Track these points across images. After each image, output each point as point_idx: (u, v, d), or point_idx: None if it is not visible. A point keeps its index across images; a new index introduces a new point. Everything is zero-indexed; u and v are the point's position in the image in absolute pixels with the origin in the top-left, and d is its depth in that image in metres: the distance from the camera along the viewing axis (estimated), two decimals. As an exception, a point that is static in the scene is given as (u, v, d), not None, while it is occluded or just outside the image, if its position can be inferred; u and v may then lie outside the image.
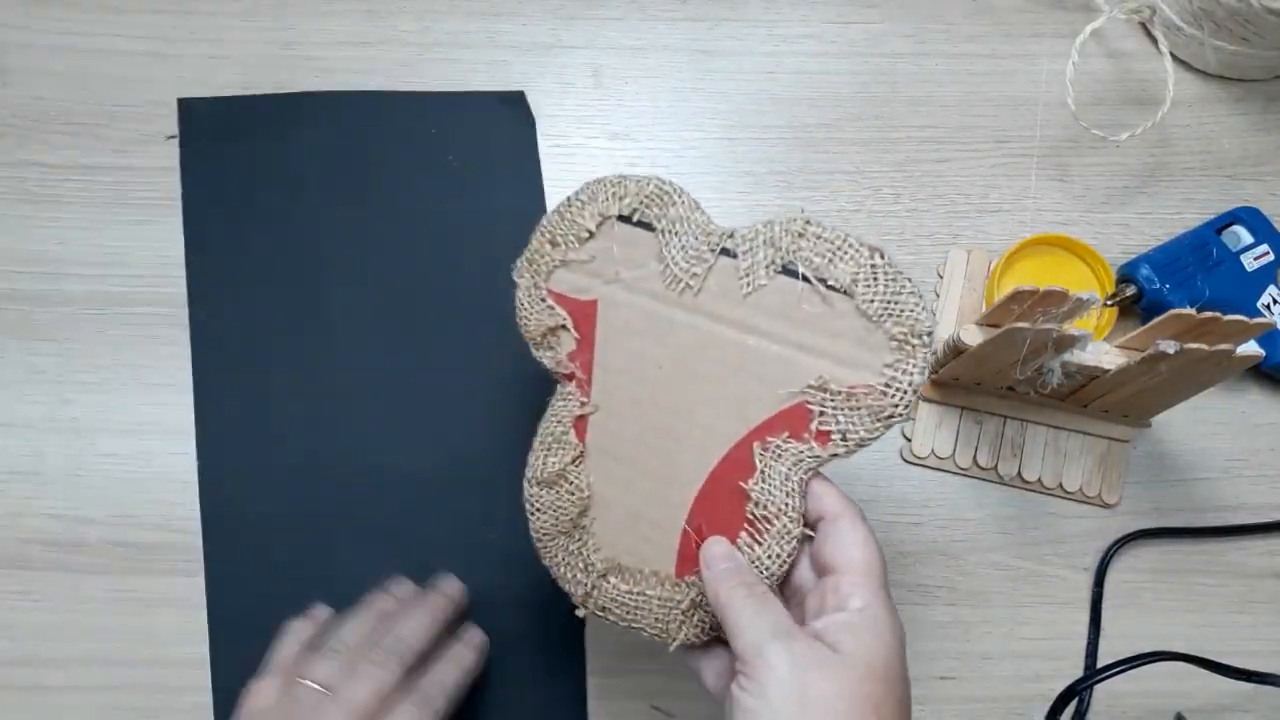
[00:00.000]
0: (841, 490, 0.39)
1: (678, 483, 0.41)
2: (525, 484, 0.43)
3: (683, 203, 0.41)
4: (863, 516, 0.38)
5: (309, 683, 0.44)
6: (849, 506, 0.39)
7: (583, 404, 0.43)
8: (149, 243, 0.56)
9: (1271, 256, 0.55)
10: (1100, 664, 0.51)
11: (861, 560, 0.37)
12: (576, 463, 0.43)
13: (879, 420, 0.38)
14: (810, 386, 0.39)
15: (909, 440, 0.54)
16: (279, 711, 0.43)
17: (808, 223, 0.39)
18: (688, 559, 0.41)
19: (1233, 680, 0.48)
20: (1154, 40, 0.60)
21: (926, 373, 0.37)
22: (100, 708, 0.49)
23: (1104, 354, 0.47)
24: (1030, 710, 0.51)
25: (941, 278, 0.57)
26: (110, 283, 0.55)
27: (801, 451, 0.39)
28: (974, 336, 0.48)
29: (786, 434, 0.39)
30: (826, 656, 0.35)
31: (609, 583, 0.42)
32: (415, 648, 0.46)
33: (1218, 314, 0.43)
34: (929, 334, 0.37)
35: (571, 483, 0.43)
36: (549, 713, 0.51)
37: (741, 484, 0.40)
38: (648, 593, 0.42)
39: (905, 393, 0.37)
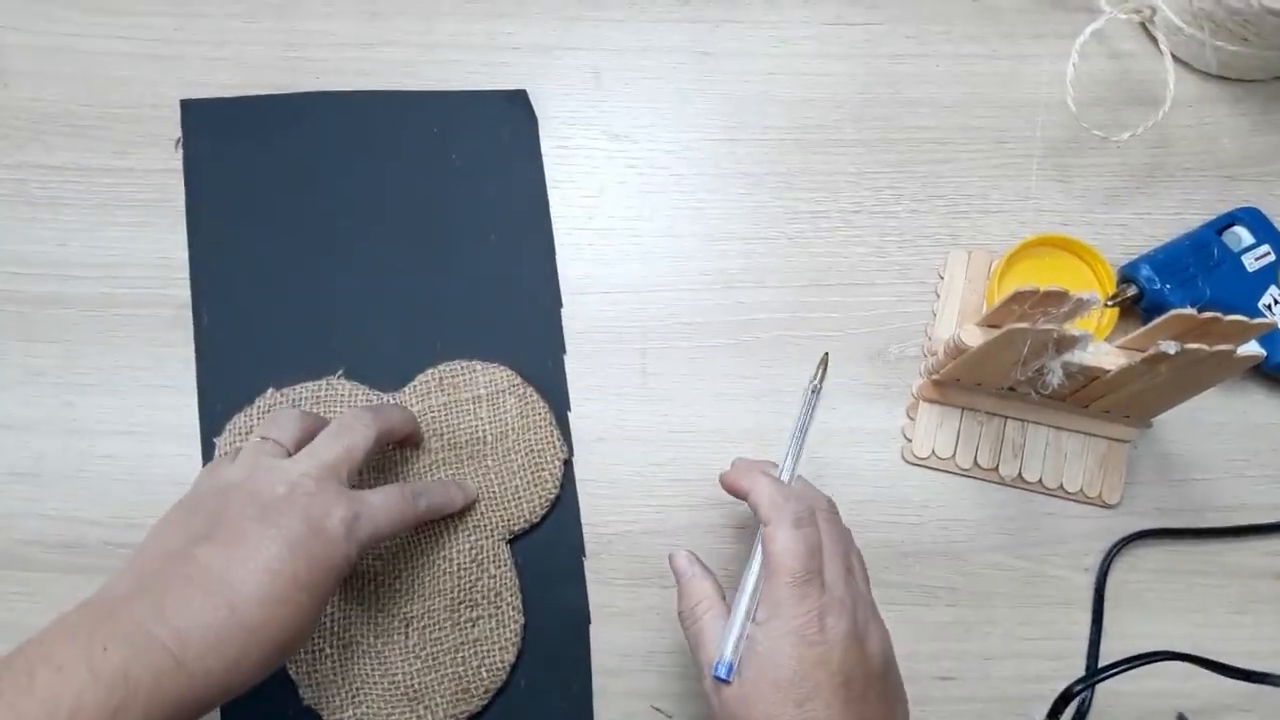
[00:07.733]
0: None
1: None
2: None
3: None
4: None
5: (271, 439, 0.42)
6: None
7: None
8: (150, 244, 0.56)
9: (1272, 257, 0.55)
10: (1101, 664, 0.51)
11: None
12: None
13: None
14: None
15: (909, 441, 0.54)
16: (240, 469, 0.41)
17: None
18: None
19: (1234, 680, 0.48)
20: (1154, 41, 0.61)
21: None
22: (101, 709, 0.49)
23: (1105, 354, 0.47)
24: (1031, 710, 0.51)
25: (942, 278, 0.57)
26: (111, 284, 0.55)
27: None
28: (975, 337, 0.48)
29: None
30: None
31: None
32: (390, 422, 0.45)
33: (1218, 314, 0.43)
34: None
35: None
36: (556, 713, 0.51)
37: None
38: None
39: None
